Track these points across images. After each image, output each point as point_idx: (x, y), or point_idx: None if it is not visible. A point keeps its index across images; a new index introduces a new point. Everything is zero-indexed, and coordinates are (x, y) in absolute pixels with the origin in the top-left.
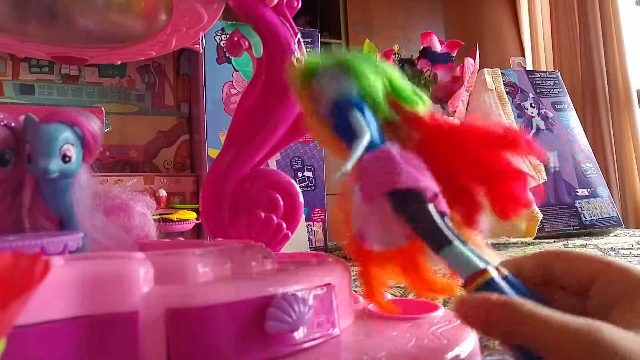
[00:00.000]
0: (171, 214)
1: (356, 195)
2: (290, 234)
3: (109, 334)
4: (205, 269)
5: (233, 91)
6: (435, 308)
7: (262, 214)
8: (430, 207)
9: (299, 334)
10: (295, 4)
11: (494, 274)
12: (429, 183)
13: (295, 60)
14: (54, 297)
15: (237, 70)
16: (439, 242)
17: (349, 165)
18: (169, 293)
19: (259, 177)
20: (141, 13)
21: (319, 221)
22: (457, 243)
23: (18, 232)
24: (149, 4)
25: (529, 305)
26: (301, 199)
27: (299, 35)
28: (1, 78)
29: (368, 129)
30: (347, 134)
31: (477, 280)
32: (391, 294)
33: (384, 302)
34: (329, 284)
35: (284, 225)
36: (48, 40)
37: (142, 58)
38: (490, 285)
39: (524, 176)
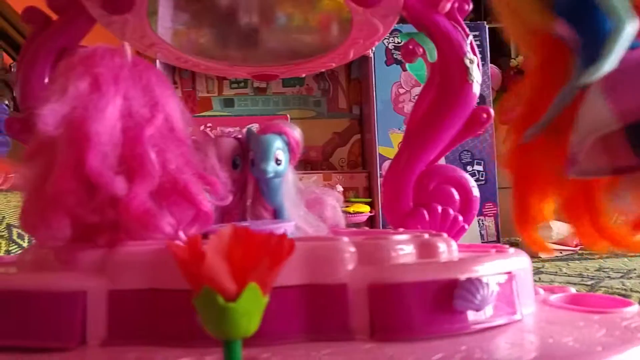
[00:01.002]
0: (347, 207)
1: (598, 104)
2: (466, 226)
3: (325, 300)
4: (400, 252)
5: (401, 90)
6: (628, 304)
7: (440, 207)
8: None
9: (484, 314)
10: (466, 7)
11: None
12: None
13: (467, 61)
14: (287, 268)
15: (405, 71)
16: None
17: (605, 66)
18: (371, 270)
19: (435, 172)
20: (323, 32)
21: (490, 216)
22: None
23: (242, 220)
24: (331, 24)
25: None
26: (476, 193)
27: (471, 37)
28: (210, 95)
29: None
30: (580, 13)
31: None
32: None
33: (537, 237)
34: (510, 272)
35: (460, 218)
36: (248, 62)
37: (323, 69)
38: None
39: None
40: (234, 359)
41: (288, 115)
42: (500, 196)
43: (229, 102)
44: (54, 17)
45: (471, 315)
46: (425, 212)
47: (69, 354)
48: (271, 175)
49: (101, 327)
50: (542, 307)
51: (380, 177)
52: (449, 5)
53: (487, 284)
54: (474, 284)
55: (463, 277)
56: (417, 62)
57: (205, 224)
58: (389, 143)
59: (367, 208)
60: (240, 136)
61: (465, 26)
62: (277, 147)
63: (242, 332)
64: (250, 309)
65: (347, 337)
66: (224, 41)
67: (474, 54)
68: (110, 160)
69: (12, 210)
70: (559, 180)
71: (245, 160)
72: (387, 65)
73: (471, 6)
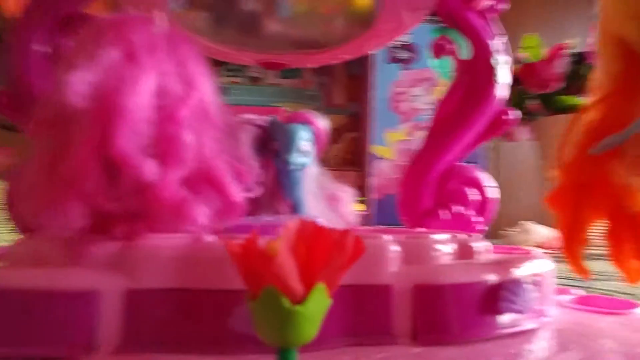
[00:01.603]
0: None
1: None
2: (485, 228)
3: (369, 301)
4: (440, 252)
5: (399, 90)
6: (636, 305)
7: (459, 208)
8: None
9: (522, 316)
10: (500, 6)
11: None
12: None
13: (495, 62)
14: None
15: (406, 70)
16: None
17: None
18: (416, 271)
19: (455, 172)
20: (342, 23)
21: None
22: None
23: (255, 214)
24: (352, 15)
25: None
26: (492, 194)
27: (505, 37)
28: None
29: None
30: None
31: None
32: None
33: (580, 261)
34: (541, 274)
35: (480, 219)
36: (256, 48)
37: (335, 62)
38: None
39: None
40: None
41: (286, 108)
42: None
43: (224, 91)
44: None
45: (510, 317)
46: (444, 212)
47: None
48: (295, 167)
49: (116, 331)
50: (560, 309)
51: (369, 175)
52: (484, 3)
53: (529, 287)
54: (519, 287)
55: (507, 279)
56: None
57: (234, 215)
58: (383, 142)
59: (362, 206)
60: (262, 124)
61: (495, 26)
62: (304, 138)
63: (305, 337)
64: (316, 312)
65: (389, 341)
66: (232, 24)
67: (505, 55)
68: (141, 140)
69: None
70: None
71: (266, 150)
72: (388, 63)
73: (508, 5)
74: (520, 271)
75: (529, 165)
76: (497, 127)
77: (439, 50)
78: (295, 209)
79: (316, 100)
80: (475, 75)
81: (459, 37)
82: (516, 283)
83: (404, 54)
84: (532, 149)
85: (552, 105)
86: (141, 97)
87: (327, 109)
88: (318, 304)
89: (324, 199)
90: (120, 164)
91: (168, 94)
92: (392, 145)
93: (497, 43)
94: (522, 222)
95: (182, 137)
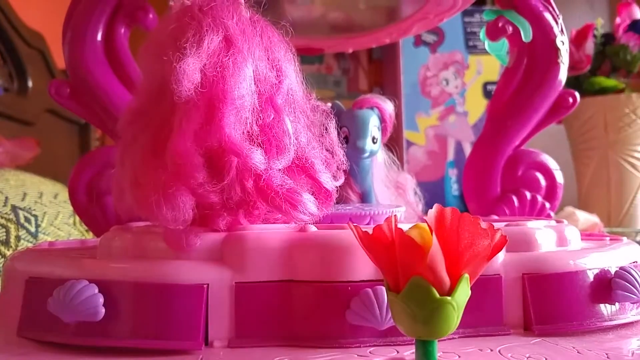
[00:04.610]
0: None
1: None
2: (552, 213)
3: (480, 293)
4: (544, 240)
5: (429, 74)
6: None
7: (528, 194)
8: None
9: (630, 307)
10: None
11: None
12: None
13: (559, 43)
14: None
15: (433, 53)
16: None
17: None
18: (524, 260)
19: (523, 157)
20: (391, 3)
21: None
22: None
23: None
24: None
25: None
26: (560, 179)
27: (561, 18)
28: None
29: None
30: None
31: None
32: None
33: None
34: (636, 261)
35: (547, 205)
36: (294, 33)
37: (374, 45)
38: None
39: None
40: None
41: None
42: None
43: None
44: None
45: (628, 307)
46: (514, 198)
47: (193, 358)
48: (367, 154)
49: (227, 325)
50: None
51: (406, 162)
52: None
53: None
54: (630, 274)
55: (620, 266)
56: (499, 42)
57: (327, 204)
58: (415, 127)
59: None
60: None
61: (555, 7)
62: (374, 124)
63: (450, 328)
64: (462, 303)
65: (502, 332)
66: (267, 9)
67: (565, 36)
68: (245, 128)
69: (14, 189)
70: None
71: None
72: (415, 47)
73: None
74: (625, 258)
75: (558, 149)
76: (561, 110)
77: (497, 32)
78: (364, 197)
79: (340, 85)
80: (538, 57)
81: (519, 18)
82: (628, 271)
83: (431, 37)
84: (562, 133)
85: (581, 88)
86: (244, 83)
87: (351, 94)
88: (464, 295)
89: (391, 187)
90: (227, 153)
91: (263, 80)
92: (424, 130)
93: (560, 24)
94: (566, 207)
95: (284, 124)
